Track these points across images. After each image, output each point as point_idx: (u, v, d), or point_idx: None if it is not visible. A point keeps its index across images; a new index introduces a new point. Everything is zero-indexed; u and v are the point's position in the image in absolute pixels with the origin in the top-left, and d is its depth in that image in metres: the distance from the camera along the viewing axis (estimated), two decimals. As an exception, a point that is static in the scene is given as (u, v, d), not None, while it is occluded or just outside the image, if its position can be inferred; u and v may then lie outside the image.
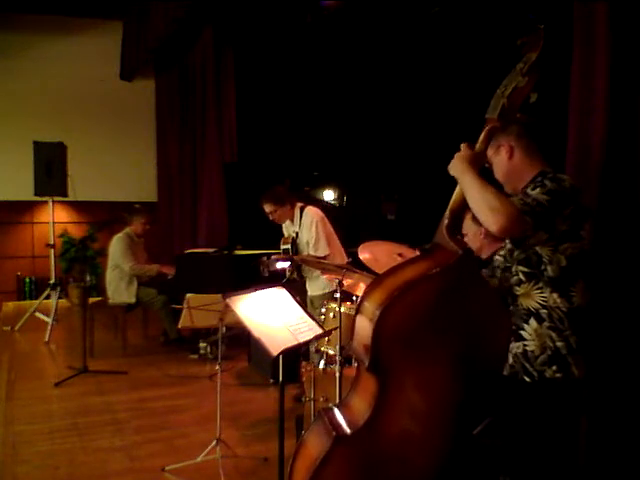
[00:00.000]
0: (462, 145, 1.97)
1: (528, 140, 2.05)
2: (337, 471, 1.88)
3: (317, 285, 4.20)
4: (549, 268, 1.95)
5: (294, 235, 4.26)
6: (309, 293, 4.28)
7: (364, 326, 1.89)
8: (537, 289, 1.97)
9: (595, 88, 2.60)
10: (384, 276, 1.94)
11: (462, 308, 1.87)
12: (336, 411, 2.03)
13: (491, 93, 1.94)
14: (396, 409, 1.88)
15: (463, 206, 1.94)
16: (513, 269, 2.04)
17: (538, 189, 1.90)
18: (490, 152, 2.19)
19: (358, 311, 1.95)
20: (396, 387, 1.87)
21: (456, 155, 1.96)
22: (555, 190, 1.89)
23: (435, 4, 5.47)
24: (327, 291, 4.09)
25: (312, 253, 4.09)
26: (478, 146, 1.92)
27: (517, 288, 2.03)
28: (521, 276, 2.01)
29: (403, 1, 5.58)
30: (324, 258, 4.05)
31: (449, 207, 1.96)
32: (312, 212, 4.20)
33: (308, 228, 4.13)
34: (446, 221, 1.95)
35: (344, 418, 1.97)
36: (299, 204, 4.30)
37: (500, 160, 2.14)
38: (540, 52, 1.78)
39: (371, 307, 1.87)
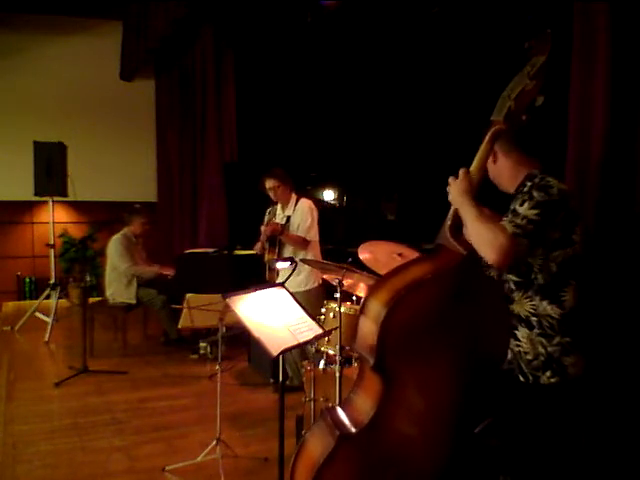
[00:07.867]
0: (461, 171, 1.92)
1: (511, 143, 2.00)
2: (340, 470, 1.87)
3: (295, 281, 4.16)
4: (539, 276, 1.92)
5: (284, 220, 4.43)
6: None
7: (369, 325, 1.89)
8: (526, 298, 1.95)
9: (595, 88, 2.60)
10: (388, 276, 1.94)
11: (466, 308, 1.87)
12: (339, 410, 2.02)
13: (490, 93, 1.93)
14: (400, 408, 1.88)
15: None
16: (504, 276, 2.02)
17: (526, 204, 1.85)
18: None
19: (362, 310, 1.95)
20: (400, 386, 1.87)
21: (454, 183, 1.92)
22: (544, 202, 1.84)
23: (435, 4, 5.46)
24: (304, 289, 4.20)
25: (301, 235, 4.31)
26: (483, 147, 1.89)
27: (510, 295, 2.01)
28: (511, 285, 2.00)
29: (403, 1, 5.58)
30: (308, 243, 4.31)
31: (452, 208, 1.94)
32: (309, 202, 4.47)
33: (304, 212, 4.36)
34: (449, 222, 1.94)
35: (348, 417, 1.96)
36: (295, 194, 4.53)
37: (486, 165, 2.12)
38: (548, 56, 1.76)
39: (376, 307, 1.86)
